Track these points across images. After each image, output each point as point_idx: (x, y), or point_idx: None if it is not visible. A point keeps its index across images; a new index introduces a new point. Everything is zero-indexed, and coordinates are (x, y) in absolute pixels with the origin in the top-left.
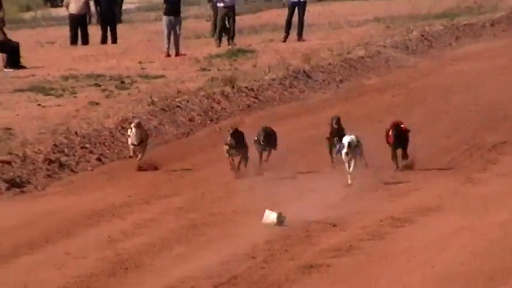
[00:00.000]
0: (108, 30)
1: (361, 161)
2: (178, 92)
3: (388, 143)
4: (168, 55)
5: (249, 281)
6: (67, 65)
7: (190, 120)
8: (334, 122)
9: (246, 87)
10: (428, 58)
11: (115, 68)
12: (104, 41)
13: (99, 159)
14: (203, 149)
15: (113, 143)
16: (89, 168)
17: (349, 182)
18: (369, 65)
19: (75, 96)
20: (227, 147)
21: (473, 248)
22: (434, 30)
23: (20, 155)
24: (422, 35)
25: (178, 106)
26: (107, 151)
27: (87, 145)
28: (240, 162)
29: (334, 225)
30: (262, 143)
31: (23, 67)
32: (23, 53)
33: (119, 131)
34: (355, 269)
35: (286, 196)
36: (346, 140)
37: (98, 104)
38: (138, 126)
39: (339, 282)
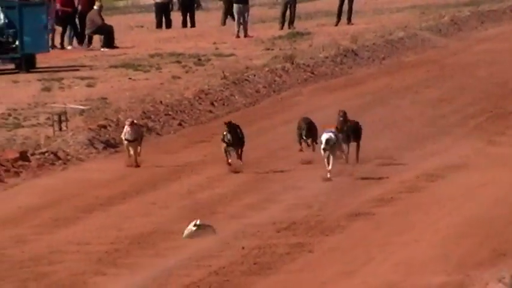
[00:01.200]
0: (188, 16)
1: (341, 156)
2: (246, 68)
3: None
4: (238, 37)
5: (307, 226)
6: (153, 45)
7: (256, 91)
8: (340, 115)
9: (303, 64)
10: (457, 39)
11: (193, 48)
12: (184, 25)
13: (180, 124)
14: (268, 115)
15: (192, 110)
16: (172, 132)
17: (328, 176)
18: (407, 45)
19: (160, 72)
20: (225, 145)
21: (495, 198)
22: (463, 15)
23: (114, 120)
24: (452, 20)
25: (246, 80)
26: (187, 117)
27: (170, 112)
28: (238, 156)
29: (380, 178)
30: (304, 137)
31: (117, 47)
32: (116, 35)
33: (197, 101)
34: (395, 216)
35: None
36: (324, 137)
37: (179, 78)
38: (132, 124)
39: (382, 227)
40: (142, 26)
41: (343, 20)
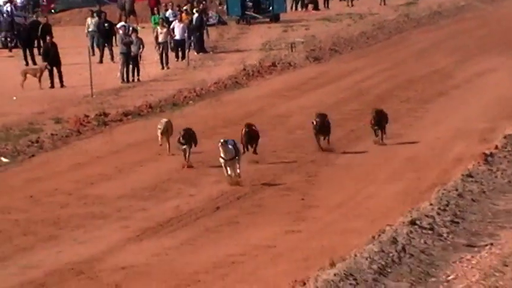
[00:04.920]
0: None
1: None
2: (384, 20)
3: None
4: (381, 4)
5: None
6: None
7: (389, 32)
8: (374, 112)
9: (413, 18)
10: (499, 7)
11: (357, 11)
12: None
13: (352, 48)
14: (394, 44)
15: (357, 41)
16: (347, 52)
17: (226, 174)
18: (466, 8)
19: (340, 22)
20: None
21: None
22: None
23: (318, 47)
24: None
25: (384, 26)
26: (354, 45)
27: (348, 43)
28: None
29: (450, 76)
30: (317, 130)
31: (319, 9)
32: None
33: (361, 38)
34: (461, 94)
35: None
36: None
37: (350, 25)
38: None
39: (454, 99)
40: None
41: None
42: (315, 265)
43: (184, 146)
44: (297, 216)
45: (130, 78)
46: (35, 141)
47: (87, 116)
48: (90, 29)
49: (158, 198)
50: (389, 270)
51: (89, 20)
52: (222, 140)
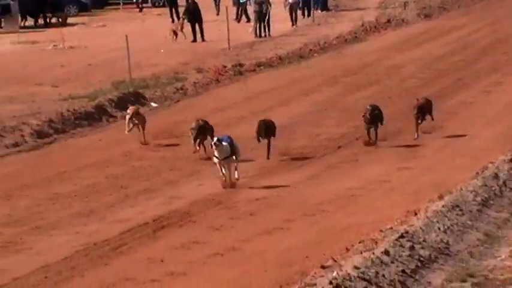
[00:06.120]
0: None
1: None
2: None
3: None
4: None
5: None
6: None
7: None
8: (417, 102)
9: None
10: None
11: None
12: None
13: (418, 15)
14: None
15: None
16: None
17: (221, 172)
18: None
19: None
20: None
21: None
22: None
23: (429, 6)
24: None
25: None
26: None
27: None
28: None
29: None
30: (367, 119)
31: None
32: None
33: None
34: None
35: None
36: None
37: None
38: (137, 112)
39: (470, 106)
40: None
41: None
42: (424, 198)
43: None
44: (408, 155)
45: (262, 34)
46: (180, 89)
47: (224, 67)
48: None
49: (288, 138)
50: (491, 202)
51: None
52: (215, 139)
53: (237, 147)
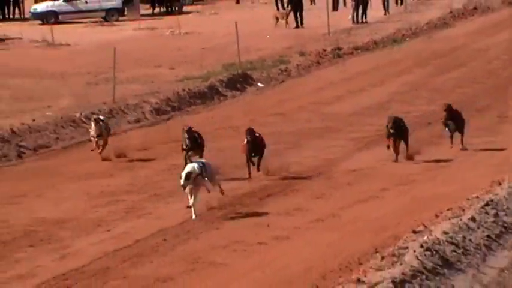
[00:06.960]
0: None
1: (209, 186)
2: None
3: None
4: None
5: None
6: None
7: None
8: (445, 108)
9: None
10: None
11: None
12: None
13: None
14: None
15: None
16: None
17: (193, 217)
18: None
19: None
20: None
21: None
22: None
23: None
24: None
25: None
26: None
27: None
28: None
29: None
30: (391, 130)
31: None
32: None
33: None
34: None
35: None
36: (185, 170)
37: None
38: (97, 121)
39: (482, 96)
40: None
41: None
42: (509, 169)
43: None
44: (493, 130)
45: (359, 20)
46: (284, 70)
47: (324, 50)
48: None
49: (380, 115)
50: None
51: None
52: (185, 171)
53: (209, 173)
